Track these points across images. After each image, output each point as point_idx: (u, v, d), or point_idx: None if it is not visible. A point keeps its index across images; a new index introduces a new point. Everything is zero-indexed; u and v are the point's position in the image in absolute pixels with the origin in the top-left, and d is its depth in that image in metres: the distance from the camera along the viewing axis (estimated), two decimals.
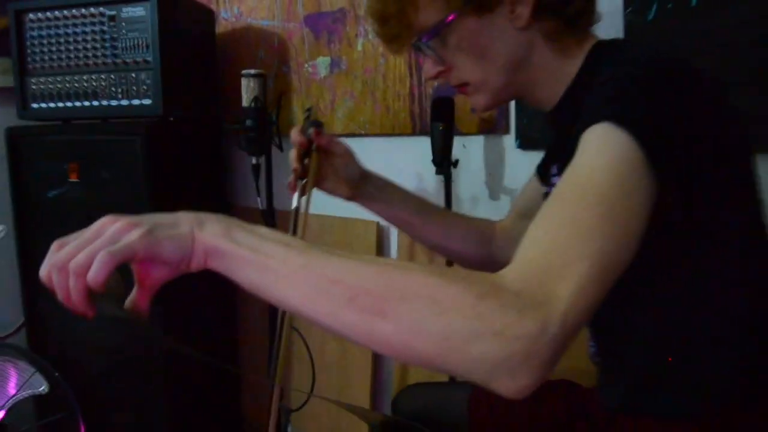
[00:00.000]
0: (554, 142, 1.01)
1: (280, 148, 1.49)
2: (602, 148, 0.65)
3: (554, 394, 1.06)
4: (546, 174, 1.05)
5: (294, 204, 1.01)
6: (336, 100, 1.82)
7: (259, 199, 1.45)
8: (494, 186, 1.63)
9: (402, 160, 1.74)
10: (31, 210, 1.82)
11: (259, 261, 0.60)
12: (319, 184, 1.04)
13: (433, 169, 1.53)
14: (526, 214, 1.11)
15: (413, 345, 0.55)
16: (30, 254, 1.84)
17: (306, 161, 1.01)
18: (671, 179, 0.67)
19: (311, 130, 1.01)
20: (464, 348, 0.54)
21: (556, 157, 0.96)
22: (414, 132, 1.70)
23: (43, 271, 0.62)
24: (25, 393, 1.67)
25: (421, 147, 1.56)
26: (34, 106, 1.78)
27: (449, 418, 1.12)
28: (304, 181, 1.00)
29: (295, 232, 0.98)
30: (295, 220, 1.01)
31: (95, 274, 0.57)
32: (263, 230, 0.63)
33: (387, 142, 1.77)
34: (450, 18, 0.84)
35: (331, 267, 0.58)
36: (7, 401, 1.66)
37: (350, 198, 1.08)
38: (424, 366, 0.59)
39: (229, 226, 0.63)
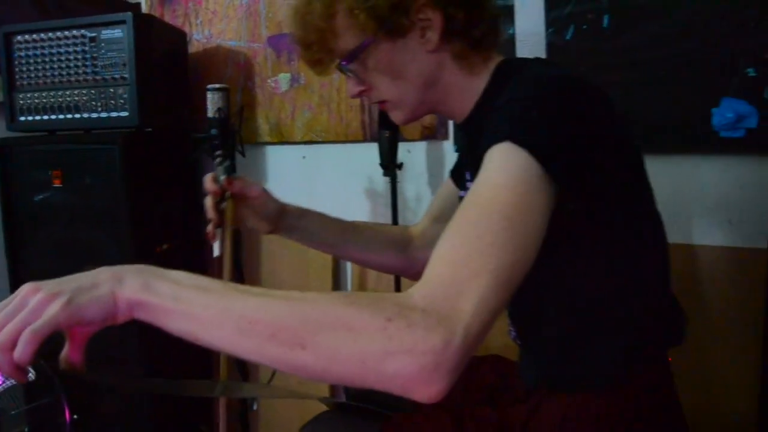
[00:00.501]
0: (467, 150, 1.08)
1: (243, 154, 1.67)
2: (503, 166, 0.69)
3: (484, 366, 1.15)
4: (461, 179, 1.13)
5: (216, 252, 1.07)
6: (296, 111, 2.01)
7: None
8: (436, 186, 1.82)
9: (354, 164, 1.93)
10: (19, 213, 1.94)
11: (181, 310, 0.62)
12: (238, 224, 1.10)
13: (381, 171, 1.70)
14: (439, 217, 1.21)
15: (333, 370, 0.60)
16: (18, 253, 1.96)
17: (223, 206, 1.06)
18: (570, 187, 0.72)
19: (223, 178, 1.05)
20: (379, 367, 0.58)
21: (469, 165, 1.01)
22: (365, 139, 1.89)
23: None
24: (14, 380, 1.81)
25: (371, 152, 1.73)
26: (22, 119, 1.91)
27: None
28: (223, 227, 1.05)
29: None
30: (220, 267, 1.08)
31: (21, 355, 0.59)
32: (181, 276, 0.65)
33: (341, 148, 1.96)
34: (366, 43, 0.89)
35: (249, 308, 0.61)
36: None
37: (271, 232, 1.13)
38: (347, 385, 0.67)
39: (148, 278, 0.64)
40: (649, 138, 1.46)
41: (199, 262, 2.20)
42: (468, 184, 0.99)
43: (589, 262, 0.84)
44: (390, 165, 1.69)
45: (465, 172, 1.07)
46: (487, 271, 0.62)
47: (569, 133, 0.73)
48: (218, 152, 1.14)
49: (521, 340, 0.97)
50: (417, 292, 0.62)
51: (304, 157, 2.05)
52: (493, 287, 0.62)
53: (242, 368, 1.74)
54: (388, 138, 1.67)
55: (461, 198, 1.02)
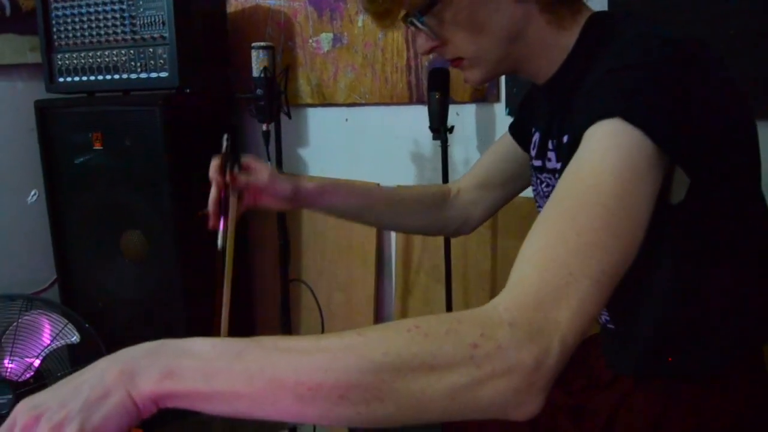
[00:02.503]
0: (547, 114, 0.95)
1: (288, 115, 1.62)
2: (609, 148, 0.62)
3: None
4: (526, 140, 1.04)
5: (219, 244, 1.00)
6: (338, 72, 1.94)
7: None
8: (485, 150, 1.74)
9: (399, 127, 1.86)
10: (60, 176, 1.94)
11: (219, 392, 0.53)
12: (256, 203, 1.05)
13: (429, 135, 1.63)
14: (485, 183, 1.14)
15: (421, 415, 0.53)
16: (60, 216, 1.97)
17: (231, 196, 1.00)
18: (687, 166, 0.67)
19: (230, 168, 1.00)
20: (472, 400, 0.52)
21: (550, 132, 0.91)
22: (411, 101, 1.82)
23: None
24: (59, 343, 1.82)
25: (417, 115, 1.67)
26: (61, 80, 1.89)
27: None
28: (225, 222, 1.00)
29: (222, 273, 0.99)
30: (223, 260, 1.00)
31: None
32: (205, 347, 0.55)
33: (385, 110, 1.89)
34: None
35: (303, 372, 0.52)
36: (43, 350, 1.82)
37: (292, 209, 1.11)
38: (433, 423, 0.57)
39: (167, 361, 0.54)
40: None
41: (240, 227, 2.18)
42: (550, 154, 0.91)
43: (695, 247, 0.77)
44: (440, 128, 1.62)
45: (548, 140, 0.94)
46: (586, 275, 0.55)
47: (688, 106, 0.65)
48: (225, 136, 1.05)
49: (615, 324, 0.89)
50: (502, 302, 0.55)
51: (347, 120, 1.99)
52: (592, 293, 0.55)
53: (286, 320, 1.72)
54: (438, 100, 1.60)
55: (534, 167, 0.97)
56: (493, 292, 1.72)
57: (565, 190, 0.62)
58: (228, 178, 1.00)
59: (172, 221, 1.81)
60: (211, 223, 1.01)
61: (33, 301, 1.84)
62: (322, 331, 1.79)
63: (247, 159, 1.06)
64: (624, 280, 0.78)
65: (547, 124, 0.92)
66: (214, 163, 1.01)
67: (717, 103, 0.70)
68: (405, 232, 1.28)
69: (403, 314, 1.92)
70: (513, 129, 1.12)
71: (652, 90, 0.65)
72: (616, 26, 0.80)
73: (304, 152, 2.11)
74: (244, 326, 2.18)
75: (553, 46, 0.84)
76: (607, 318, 0.90)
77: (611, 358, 0.92)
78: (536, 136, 0.98)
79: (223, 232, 0.99)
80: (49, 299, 1.97)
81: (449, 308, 1.62)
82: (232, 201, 1.00)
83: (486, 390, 0.52)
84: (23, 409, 0.54)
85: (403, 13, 0.84)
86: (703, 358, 0.81)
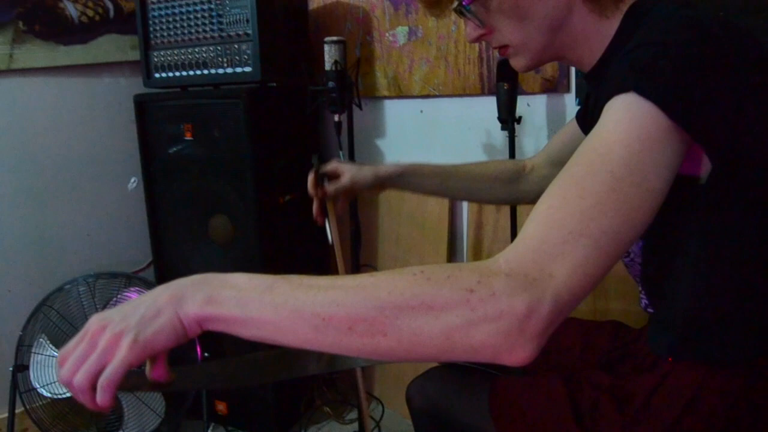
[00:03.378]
0: (593, 103, 1.00)
1: (359, 106, 1.68)
2: (621, 120, 0.64)
3: (603, 333, 1.12)
4: (587, 129, 1.04)
5: (329, 239, 1.30)
6: (413, 65, 1.99)
7: (341, 152, 1.65)
8: None
9: (472, 118, 1.89)
10: (156, 164, 2.10)
11: (250, 317, 0.60)
12: (349, 198, 1.27)
13: (498, 125, 1.66)
14: (557, 160, 1.19)
15: (418, 351, 0.58)
16: (156, 201, 2.13)
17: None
18: (704, 139, 0.66)
19: (321, 184, 1.23)
20: (465, 340, 0.56)
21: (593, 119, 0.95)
22: (483, 92, 1.85)
23: (60, 381, 0.65)
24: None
25: (490, 106, 1.68)
26: (157, 75, 2.04)
27: None
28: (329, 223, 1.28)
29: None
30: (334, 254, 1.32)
31: (102, 401, 0.61)
32: (242, 280, 0.63)
33: (459, 101, 1.92)
34: None
35: (320, 304, 0.59)
36: None
37: (380, 192, 1.29)
38: (430, 361, 0.62)
39: (209, 289, 0.62)
40: None
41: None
42: None
43: (724, 228, 0.77)
44: (508, 119, 1.63)
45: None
46: (585, 235, 0.58)
47: (704, 83, 0.66)
48: (315, 156, 1.29)
49: (653, 308, 0.91)
50: (503, 256, 0.59)
51: (421, 111, 2.04)
52: (591, 253, 0.58)
53: None
54: (506, 91, 1.62)
55: None
56: None
57: (577, 158, 0.65)
58: (320, 192, 1.23)
59: (256, 206, 1.93)
60: (317, 217, 1.26)
61: (132, 279, 2.01)
62: None
63: (332, 165, 1.26)
64: (659, 264, 0.79)
65: (592, 113, 0.94)
66: (310, 179, 1.23)
67: (739, 83, 0.69)
68: (480, 202, 1.44)
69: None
70: (578, 115, 1.15)
71: (667, 65, 0.65)
72: (649, 12, 0.80)
73: (382, 143, 2.17)
74: None
75: (595, 34, 0.85)
76: (647, 302, 0.92)
77: (652, 341, 0.93)
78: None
79: (330, 231, 1.28)
80: (145, 278, 2.14)
81: None
82: (329, 206, 1.25)
83: (478, 332, 0.56)
84: (94, 321, 0.64)
85: (452, 2, 0.87)
86: (737, 344, 0.81)
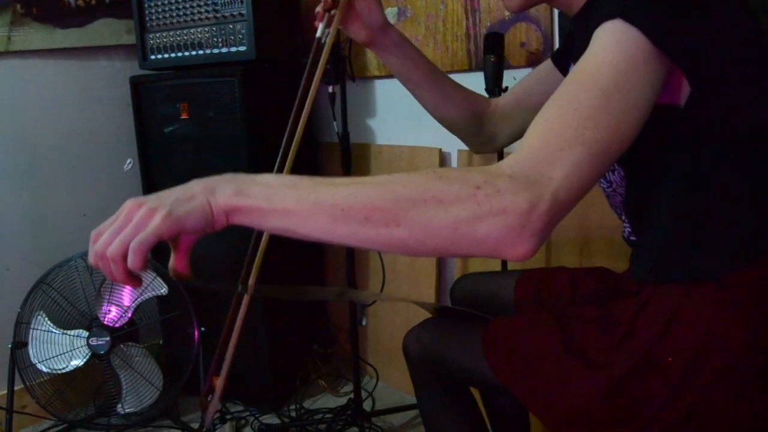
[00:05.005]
0: (581, 47, 1.10)
1: (353, 79, 1.73)
2: (609, 43, 0.70)
3: (591, 277, 1.18)
4: (564, 68, 1.13)
5: (318, 33, 1.03)
6: None
7: (335, 124, 1.70)
8: None
9: None
10: (152, 144, 2.13)
11: (275, 209, 0.65)
12: (343, 21, 1.07)
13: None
14: (522, 104, 1.22)
15: (428, 242, 0.63)
16: (152, 181, 2.16)
17: None
18: (684, 65, 0.72)
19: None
20: (471, 232, 0.61)
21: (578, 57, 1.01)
22: (470, 68, 1.90)
23: (90, 259, 0.68)
24: (149, 294, 2.01)
25: (477, 81, 1.71)
26: (152, 57, 2.08)
27: (498, 302, 1.24)
28: (332, 12, 1.03)
29: (315, 64, 1.01)
30: (317, 50, 1.03)
31: (132, 263, 0.65)
32: (270, 178, 0.68)
33: None
34: None
35: (339, 196, 0.64)
36: (135, 300, 2.02)
37: (367, 44, 1.13)
38: (438, 255, 0.70)
39: (239, 184, 0.67)
40: None
41: None
42: None
43: (702, 151, 0.82)
44: (495, 90, 1.68)
45: (572, 64, 1.06)
46: (579, 142, 0.64)
47: (686, 10, 0.72)
48: None
49: (636, 235, 0.96)
50: (507, 161, 0.65)
51: None
52: (584, 159, 0.64)
53: (351, 279, 1.84)
54: (493, 62, 1.67)
55: None
56: (554, 247, 1.78)
57: (571, 78, 0.71)
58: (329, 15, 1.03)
59: None
60: (319, 13, 1.05)
61: None
62: (383, 281, 1.89)
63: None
64: (641, 191, 0.84)
65: (581, 52, 0.99)
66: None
67: (720, 14, 0.75)
68: (444, 121, 1.28)
69: (464, 268, 2.00)
70: (555, 57, 1.19)
71: None
72: None
73: (373, 122, 2.22)
74: (313, 281, 2.33)
75: None
76: (630, 230, 0.97)
77: (635, 268, 0.98)
78: (571, 66, 1.06)
79: (326, 23, 1.03)
80: None
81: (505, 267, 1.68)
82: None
83: (483, 225, 0.61)
84: (129, 201, 0.68)
85: None
86: (714, 260, 0.85)
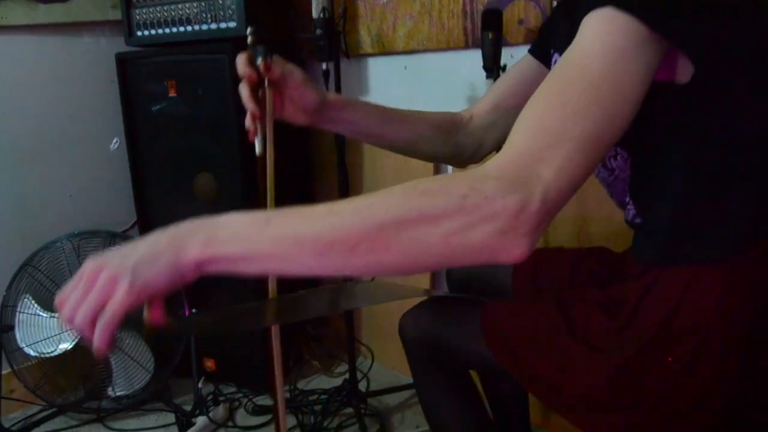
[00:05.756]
0: (566, 34, 1.06)
1: (347, 55, 1.69)
2: (598, 33, 0.67)
3: (590, 257, 1.16)
4: (547, 62, 1.09)
5: (258, 150, 0.92)
6: (397, 21, 2.00)
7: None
8: None
9: (456, 71, 1.91)
10: (139, 123, 2.08)
11: (252, 254, 0.61)
12: (280, 113, 0.98)
13: (483, 76, 1.67)
14: (502, 107, 1.16)
15: (422, 260, 0.61)
16: (140, 161, 2.12)
17: (260, 93, 0.92)
18: (682, 44, 0.70)
19: (260, 61, 0.89)
20: (464, 243, 0.59)
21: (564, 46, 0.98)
22: (467, 46, 1.86)
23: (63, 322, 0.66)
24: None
25: (473, 59, 1.70)
26: (139, 33, 2.02)
27: (496, 284, 1.22)
28: (262, 120, 0.91)
29: (264, 180, 0.92)
30: (263, 167, 0.91)
31: (100, 342, 0.62)
32: (239, 219, 0.63)
33: (443, 56, 1.94)
34: None
35: (320, 231, 0.60)
36: None
37: (310, 125, 1.03)
38: (435, 270, 0.68)
39: (207, 231, 0.62)
40: None
41: (305, 168, 2.28)
42: None
43: (706, 130, 0.81)
44: (493, 67, 1.65)
45: (554, 53, 1.03)
46: (568, 138, 0.62)
47: None
48: (250, 29, 0.94)
49: (642, 217, 0.94)
50: (491, 163, 0.62)
51: (405, 68, 2.05)
52: (574, 155, 0.62)
53: None
54: (491, 40, 1.63)
55: None
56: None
57: (557, 71, 0.68)
58: (262, 67, 0.90)
59: (240, 164, 1.93)
60: (247, 123, 0.93)
61: (117, 237, 2.00)
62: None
63: (277, 57, 0.95)
64: (647, 173, 0.82)
65: (566, 41, 0.96)
66: (242, 58, 0.92)
67: None
68: (418, 157, 1.20)
69: None
70: (534, 49, 1.15)
71: None
72: None
73: (366, 100, 2.18)
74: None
75: None
76: (635, 212, 0.95)
77: (639, 251, 0.96)
78: (555, 56, 1.02)
79: (261, 134, 0.91)
80: (129, 235, 2.13)
81: None
82: (269, 93, 0.91)
83: (475, 233, 0.59)
84: (89, 264, 0.64)
85: None
86: (721, 242, 0.84)
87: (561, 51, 0.96)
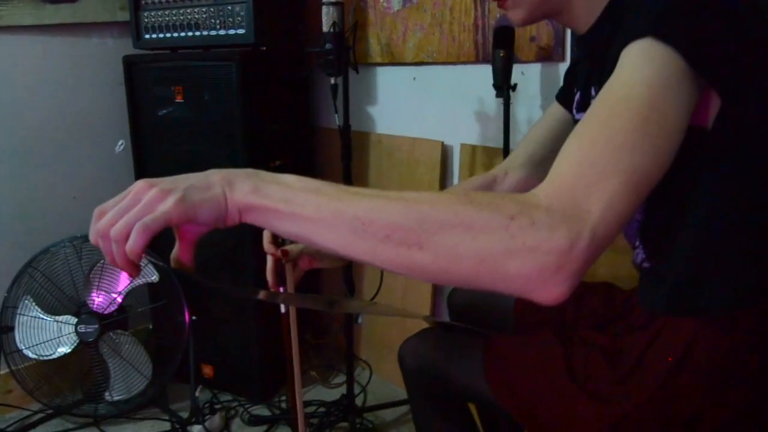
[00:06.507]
0: (587, 68, 0.99)
1: (356, 70, 1.67)
2: (641, 64, 0.65)
3: (595, 294, 1.13)
4: (570, 100, 1.07)
5: (282, 309, 1.05)
6: (407, 31, 1.98)
7: (336, 116, 1.64)
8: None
9: (465, 86, 1.89)
10: (145, 126, 2.07)
11: (293, 213, 0.61)
12: (312, 266, 1.06)
13: (493, 93, 1.64)
14: (538, 160, 1.15)
15: (451, 270, 0.57)
16: (144, 164, 2.10)
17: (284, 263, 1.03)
18: (717, 83, 0.68)
19: (282, 242, 1.03)
20: (500, 267, 0.56)
21: (591, 80, 0.95)
22: (477, 60, 1.84)
23: (91, 237, 0.63)
24: (140, 281, 1.96)
25: (484, 74, 1.68)
26: (147, 36, 2.01)
27: (497, 312, 1.19)
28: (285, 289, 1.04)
29: (290, 337, 1.03)
30: (288, 326, 1.05)
31: (132, 246, 0.59)
32: (292, 180, 0.63)
33: (452, 69, 1.92)
34: None
35: (362, 209, 0.59)
36: (126, 287, 1.97)
37: (344, 264, 1.10)
38: (459, 285, 0.61)
39: (258, 181, 0.63)
40: None
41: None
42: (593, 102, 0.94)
43: (731, 181, 0.78)
44: (503, 86, 1.63)
45: (589, 89, 0.99)
46: (617, 172, 0.59)
47: (718, 28, 0.68)
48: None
49: (651, 261, 0.91)
50: (541, 191, 0.59)
51: (414, 79, 2.03)
52: (623, 189, 0.59)
53: (349, 285, 1.80)
54: (502, 58, 1.61)
55: (576, 122, 0.98)
56: None
57: (600, 102, 0.65)
58: (279, 252, 1.03)
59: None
60: (270, 287, 1.05)
61: None
62: (380, 283, 1.85)
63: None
64: (659, 215, 0.80)
65: (587, 76, 0.95)
66: (267, 235, 1.02)
67: (753, 30, 0.71)
68: None
69: None
70: (560, 96, 1.14)
71: (682, 10, 0.67)
72: None
73: (373, 110, 2.17)
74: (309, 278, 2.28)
75: None
76: (643, 256, 0.92)
77: (646, 297, 0.93)
78: (578, 95, 1.01)
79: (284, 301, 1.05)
80: None
81: None
82: (288, 268, 1.04)
83: (515, 261, 0.55)
84: (140, 182, 0.63)
85: None
86: (731, 296, 0.82)
87: (583, 89, 0.96)
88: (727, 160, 0.77)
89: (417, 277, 0.60)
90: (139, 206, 0.61)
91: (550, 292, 0.56)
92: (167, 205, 0.60)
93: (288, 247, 1.04)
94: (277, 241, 1.03)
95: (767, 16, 0.76)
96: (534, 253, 0.55)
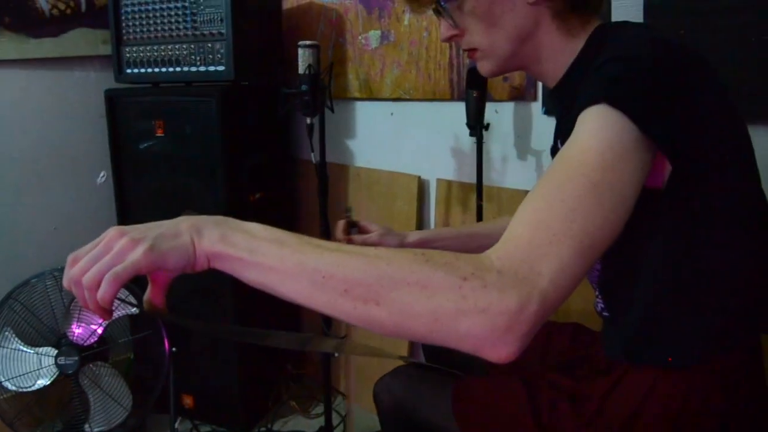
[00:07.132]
0: (559, 118, 1.04)
1: (332, 109, 1.71)
2: (596, 129, 0.68)
3: (563, 334, 1.17)
4: (556, 152, 1.10)
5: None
6: (385, 68, 2.03)
7: (312, 155, 1.68)
8: (522, 147, 1.80)
9: (441, 123, 1.93)
10: (126, 159, 2.09)
11: (257, 262, 0.63)
12: None
13: (467, 130, 1.70)
14: None
15: (406, 326, 0.60)
16: (125, 195, 2.12)
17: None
18: (668, 149, 0.71)
19: (354, 230, 1.24)
20: (452, 326, 0.58)
21: (561, 133, 0.99)
22: (452, 98, 1.89)
23: (65, 283, 0.66)
24: (121, 312, 1.97)
25: (459, 111, 1.72)
26: (128, 71, 2.03)
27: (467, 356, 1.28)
28: None
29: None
30: None
31: (103, 294, 0.62)
32: (257, 229, 0.66)
33: (428, 106, 1.96)
34: None
35: (324, 263, 0.61)
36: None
37: None
38: (415, 340, 0.65)
39: (225, 230, 0.65)
40: (755, 105, 1.34)
41: (289, 211, 2.30)
42: None
43: (684, 237, 0.82)
44: (476, 125, 1.68)
45: (558, 140, 1.04)
46: (568, 236, 0.61)
47: (668, 95, 0.71)
48: (347, 207, 1.28)
49: (609, 312, 0.95)
50: (495, 253, 0.62)
51: (392, 114, 2.08)
52: (574, 253, 0.61)
53: (326, 318, 1.83)
54: (475, 98, 1.66)
55: None
56: None
57: (556, 165, 0.69)
58: (346, 241, 1.21)
59: (226, 204, 1.94)
60: None
61: None
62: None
63: (364, 223, 1.31)
64: (615, 268, 0.84)
65: (558, 128, 0.99)
66: (341, 225, 1.24)
67: (697, 96, 0.75)
68: None
69: None
70: (553, 151, 1.17)
71: (634, 78, 0.71)
72: (616, 32, 0.86)
73: (352, 143, 2.21)
74: (288, 318, 2.30)
75: (560, 51, 0.91)
76: (603, 306, 0.96)
77: (606, 343, 0.98)
78: (559, 143, 1.04)
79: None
80: None
81: None
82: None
83: (466, 321, 0.58)
84: (112, 229, 0.66)
85: (432, 1, 0.93)
86: (688, 347, 0.85)
87: (561, 136, 0.98)
88: (679, 218, 0.81)
89: (374, 331, 0.62)
90: (110, 255, 0.63)
91: (500, 351, 0.58)
92: (137, 254, 0.62)
93: (359, 238, 1.23)
94: (350, 230, 1.21)
95: (718, 77, 0.80)
96: (484, 314, 0.57)
